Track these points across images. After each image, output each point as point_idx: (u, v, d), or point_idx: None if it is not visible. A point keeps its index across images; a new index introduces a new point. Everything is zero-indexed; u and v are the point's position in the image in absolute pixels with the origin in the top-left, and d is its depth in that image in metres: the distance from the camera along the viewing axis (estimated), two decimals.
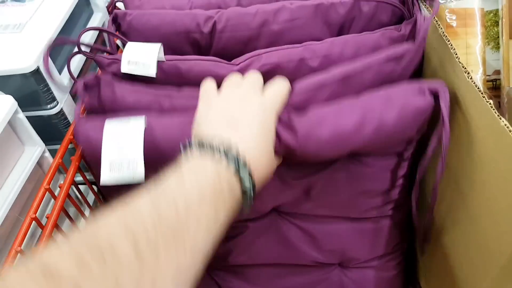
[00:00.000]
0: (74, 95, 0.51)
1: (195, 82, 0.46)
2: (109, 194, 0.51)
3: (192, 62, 0.48)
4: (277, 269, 0.55)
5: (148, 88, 0.47)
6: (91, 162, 0.45)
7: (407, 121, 0.39)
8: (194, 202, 0.26)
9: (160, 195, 0.26)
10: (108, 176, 0.39)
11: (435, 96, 0.39)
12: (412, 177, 0.46)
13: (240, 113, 0.33)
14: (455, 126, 0.39)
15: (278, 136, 0.38)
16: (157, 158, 0.39)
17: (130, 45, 0.48)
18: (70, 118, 0.50)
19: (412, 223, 0.50)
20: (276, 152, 0.37)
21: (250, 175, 0.30)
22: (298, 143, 0.38)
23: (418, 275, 0.56)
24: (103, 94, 0.46)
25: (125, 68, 0.46)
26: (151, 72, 0.46)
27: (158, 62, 0.47)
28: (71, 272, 0.19)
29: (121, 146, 0.39)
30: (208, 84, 0.41)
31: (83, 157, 0.45)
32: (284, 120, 0.39)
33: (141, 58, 0.46)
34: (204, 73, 0.46)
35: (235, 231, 0.53)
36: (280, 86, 0.39)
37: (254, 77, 0.40)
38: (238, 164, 0.29)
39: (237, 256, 0.54)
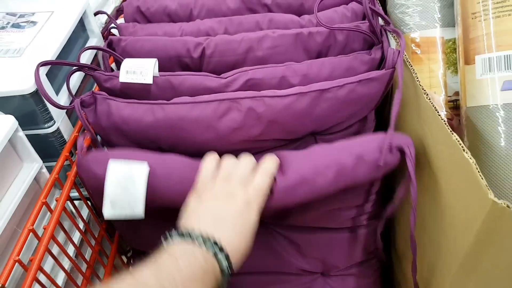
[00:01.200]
0: (69, 115, 0.53)
1: (187, 95, 0.49)
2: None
3: (183, 77, 0.51)
4: (263, 278, 0.57)
5: (142, 101, 0.49)
6: (91, 190, 0.47)
7: (375, 174, 0.43)
8: (188, 279, 0.32)
9: (161, 271, 0.31)
10: (109, 212, 0.42)
11: (401, 152, 0.42)
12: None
13: (225, 211, 0.38)
14: (416, 141, 0.43)
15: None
16: (155, 197, 0.43)
17: (127, 59, 0.51)
18: (66, 136, 0.52)
19: (387, 231, 0.53)
20: None
21: (227, 258, 0.36)
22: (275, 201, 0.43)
23: (395, 283, 0.59)
24: (99, 109, 0.48)
25: (123, 78, 0.49)
26: (148, 80, 0.49)
27: (153, 76, 0.50)
28: None
29: (124, 187, 0.41)
30: (209, 164, 0.43)
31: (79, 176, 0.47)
32: None
33: (138, 68, 0.49)
34: (195, 86, 0.50)
35: None
36: (267, 174, 0.42)
37: (247, 161, 0.43)
38: (216, 250, 0.35)
39: None
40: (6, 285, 0.36)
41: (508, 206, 0.30)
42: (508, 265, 0.35)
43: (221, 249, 0.35)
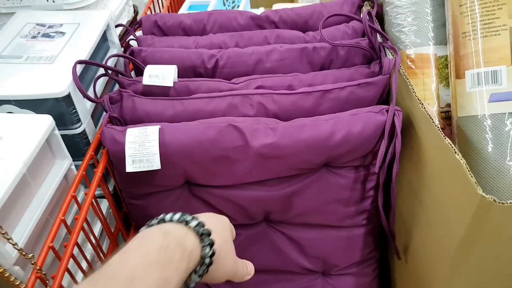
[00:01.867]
0: (93, 118, 0.57)
1: None
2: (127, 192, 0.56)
3: (200, 82, 0.55)
4: (266, 276, 0.60)
5: (163, 97, 0.54)
6: (114, 160, 0.51)
7: (369, 132, 0.47)
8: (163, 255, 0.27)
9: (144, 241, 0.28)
10: (131, 167, 0.47)
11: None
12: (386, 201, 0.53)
13: (216, 224, 0.35)
14: (413, 146, 0.47)
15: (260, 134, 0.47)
16: (167, 149, 0.48)
17: (150, 65, 0.56)
18: (90, 137, 0.55)
19: (384, 233, 0.57)
20: None
21: (211, 246, 0.31)
22: (277, 137, 0.46)
23: (392, 281, 0.62)
24: (124, 105, 0.52)
25: (146, 80, 0.53)
26: (169, 83, 0.53)
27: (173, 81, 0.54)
28: None
29: (141, 144, 0.47)
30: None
31: (110, 163, 0.51)
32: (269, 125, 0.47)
33: (160, 73, 0.53)
34: (210, 90, 0.54)
35: None
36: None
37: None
38: (204, 232, 0.31)
39: None
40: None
41: (494, 200, 0.34)
42: (497, 255, 0.39)
43: (208, 235, 0.32)
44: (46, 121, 0.44)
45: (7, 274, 0.35)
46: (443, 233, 0.42)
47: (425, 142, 0.44)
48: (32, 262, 0.38)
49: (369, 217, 0.55)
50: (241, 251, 0.58)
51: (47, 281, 0.39)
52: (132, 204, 0.56)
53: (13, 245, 0.37)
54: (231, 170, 0.50)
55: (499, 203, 0.34)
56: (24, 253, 0.38)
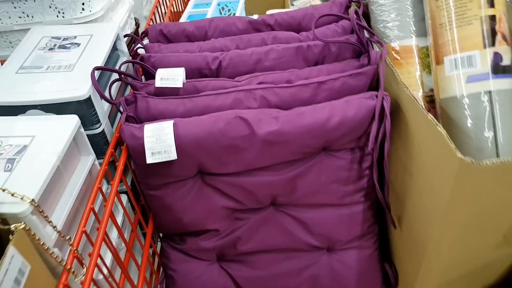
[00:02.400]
0: (109, 119, 0.62)
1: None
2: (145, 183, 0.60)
3: (206, 82, 0.60)
4: (275, 255, 0.64)
5: (175, 97, 0.59)
6: (134, 154, 0.55)
7: (362, 116, 0.52)
8: None
9: None
10: (150, 158, 0.52)
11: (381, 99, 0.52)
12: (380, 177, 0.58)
13: None
14: (401, 126, 0.52)
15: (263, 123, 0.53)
16: (181, 141, 0.53)
17: (160, 69, 0.61)
18: (109, 137, 0.60)
19: (381, 208, 0.61)
20: None
21: None
22: (280, 125, 0.52)
23: (391, 251, 0.66)
24: (139, 106, 0.57)
25: (158, 83, 0.58)
26: (179, 84, 0.58)
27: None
28: None
29: (158, 138, 0.52)
30: None
31: (128, 159, 0.55)
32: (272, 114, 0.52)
33: (170, 75, 0.58)
34: (216, 88, 0.59)
35: (240, 222, 0.62)
36: None
37: None
38: None
39: (243, 244, 0.63)
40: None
41: (473, 162, 0.39)
42: (479, 213, 0.43)
43: None
44: (73, 120, 0.49)
45: (51, 251, 0.39)
46: (431, 199, 0.47)
47: (411, 121, 0.49)
48: (70, 243, 0.43)
49: (366, 194, 0.60)
50: (251, 234, 0.63)
51: (83, 260, 0.44)
52: (150, 195, 0.60)
53: (53, 227, 0.41)
54: (239, 158, 0.55)
55: (477, 164, 0.38)
56: (62, 235, 0.43)
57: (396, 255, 0.64)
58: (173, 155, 0.52)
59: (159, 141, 0.52)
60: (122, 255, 0.57)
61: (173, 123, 0.53)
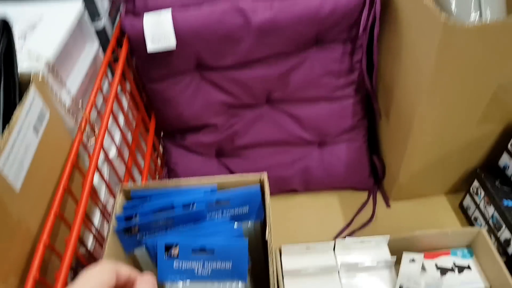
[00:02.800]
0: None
1: None
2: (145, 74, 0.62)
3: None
4: (269, 149, 0.68)
5: None
6: (135, 44, 0.57)
7: (354, 2, 0.54)
8: None
9: None
10: (151, 46, 0.54)
11: None
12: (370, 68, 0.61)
13: None
14: (391, 13, 0.54)
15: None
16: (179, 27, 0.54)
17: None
18: (109, 35, 0.61)
19: (371, 107, 0.65)
20: None
21: None
22: (274, 13, 0.53)
23: (378, 144, 0.70)
24: (137, 2, 0.58)
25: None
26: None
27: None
28: None
29: (157, 25, 0.54)
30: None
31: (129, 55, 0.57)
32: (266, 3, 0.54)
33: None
34: None
35: (237, 118, 0.66)
36: None
37: None
38: None
39: (240, 138, 0.67)
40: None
41: (456, 24, 0.41)
42: (464, 77, 0.47)
43: None
44: (76, 5, 0.51)
45: (68, 108, 0.42)
46: (417, 72, 0.50)
47: (401, 8, 0.52)
48: (83, 109, 0.46)
49: (357, 88, 0.63)
50: (247, 128, 0.66)
51: (94, 124, 0.47)
52: (152, 90, 0.63)
53: (67, 93, 0.44)
54: (236, 48, 0.57)
55: (460, 26, 0.41)
56: (75, 102, 0.45)
57: (383, 148, 0.68)
58: (172, 42, 0.54)
59: (158, 28, 0.54)
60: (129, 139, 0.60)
61: (171, 11, 0.55)
